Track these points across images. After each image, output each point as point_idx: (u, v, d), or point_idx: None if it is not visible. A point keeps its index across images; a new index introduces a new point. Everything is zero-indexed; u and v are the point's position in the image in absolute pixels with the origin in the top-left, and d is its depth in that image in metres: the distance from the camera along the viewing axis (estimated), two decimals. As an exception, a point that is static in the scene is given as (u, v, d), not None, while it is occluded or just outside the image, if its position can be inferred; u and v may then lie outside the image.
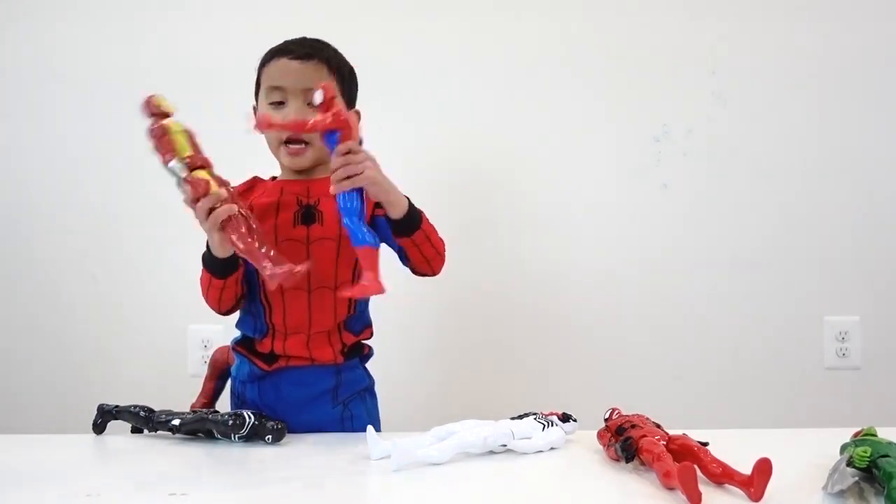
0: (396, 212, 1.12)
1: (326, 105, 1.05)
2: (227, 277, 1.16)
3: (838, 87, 1.85)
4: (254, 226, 1.07)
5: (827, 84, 1.85)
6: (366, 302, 1.27)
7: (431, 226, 1.18)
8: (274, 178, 1.29)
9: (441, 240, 1.20)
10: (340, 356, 1.22)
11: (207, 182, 1.04)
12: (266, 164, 1.31)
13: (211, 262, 1.15)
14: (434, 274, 1.21)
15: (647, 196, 1.86)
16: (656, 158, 1.86)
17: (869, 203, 1.85)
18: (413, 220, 1.14)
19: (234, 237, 1.05)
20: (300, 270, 1.04)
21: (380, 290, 1.02)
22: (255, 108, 1.30)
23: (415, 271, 1.22)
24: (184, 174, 1.04)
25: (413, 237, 1.15)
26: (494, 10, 1.87)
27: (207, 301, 1.22)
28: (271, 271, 1.02)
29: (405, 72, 1.85)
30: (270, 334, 1.21)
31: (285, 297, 1.19)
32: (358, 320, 1.25)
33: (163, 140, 1.04)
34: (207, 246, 1.14)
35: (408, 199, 1.14)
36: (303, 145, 1.21)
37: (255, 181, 1.28)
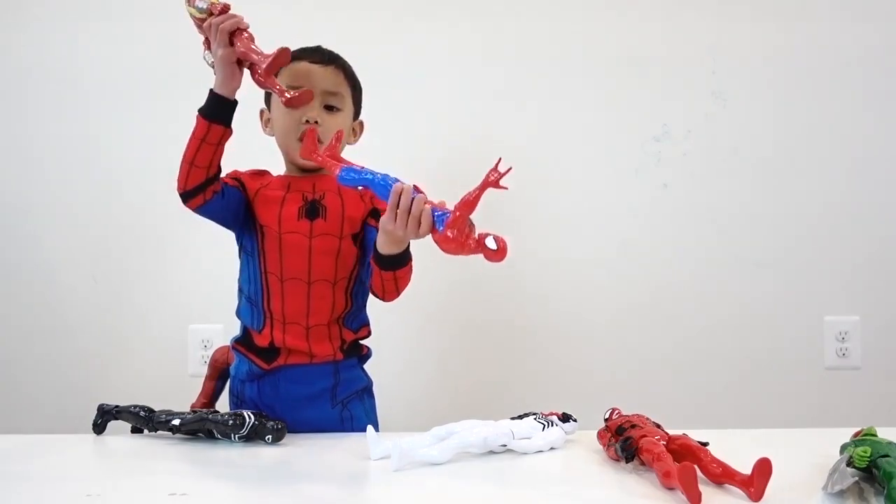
0: (385, 251, 1.13)
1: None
2: (214, 121, 1.14)
3: (838, 86, 1.85)
4: (254, 46, 1.11)
5: (826, 84, 1.85)
6: (364, 299, 1.29)
7: (409, 272, 1.19)
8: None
9: (408, 282, 1.20)
10: (340, 352, 1.23)
11: (227, 6, 1.11)
12: (267, 164, 1.31)
13: (209, 104, 1.14)
14: (382, 300, 1.23)
15: (647, 196, 1.86)
16: (656, 158, 1.86)
17: (869, 203, 1.85)
18: (395, 264, 1.15)
19: (238, 44, 1.09)
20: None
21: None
22: (262, 113, 1.32)
23: (370, 288, 1.25)
24: (205, 4, 1.12)
25: (383, 272, 1.16)
26: (495, 10, 1.87)
27: (181, 167, 1.16)
28: (264, 58, 1.07)
29: (404, 71, 1.85)
30: (269, 324, 1.22)
31: (284, 286, 1.21)
32: (355, 318, 1.26)
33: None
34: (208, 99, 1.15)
35: (408, 247, 1.15)
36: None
37: (266, 172, 1.30)
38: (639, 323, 1.85)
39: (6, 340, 1.87)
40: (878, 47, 1.85)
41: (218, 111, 1.14)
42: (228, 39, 1.10)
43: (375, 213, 1.24)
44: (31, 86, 1.88)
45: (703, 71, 1.86)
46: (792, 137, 1.86)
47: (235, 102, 1.14)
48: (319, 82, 1.24)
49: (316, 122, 1.23)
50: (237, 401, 1.27)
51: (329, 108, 1.25)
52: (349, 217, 1.24)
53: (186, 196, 1.17)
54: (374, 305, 1.31)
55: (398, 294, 1.21)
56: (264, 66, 1.07)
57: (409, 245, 1.15)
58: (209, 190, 1.18)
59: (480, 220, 1.88)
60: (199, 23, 1.14)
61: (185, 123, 1.21)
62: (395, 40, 1.86)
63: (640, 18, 1.86)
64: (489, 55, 1.86)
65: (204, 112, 1.14)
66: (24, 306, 1.88)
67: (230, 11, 1.11)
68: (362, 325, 1.28)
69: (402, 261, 1.15)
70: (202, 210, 1.19)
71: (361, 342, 1.28)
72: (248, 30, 1.11)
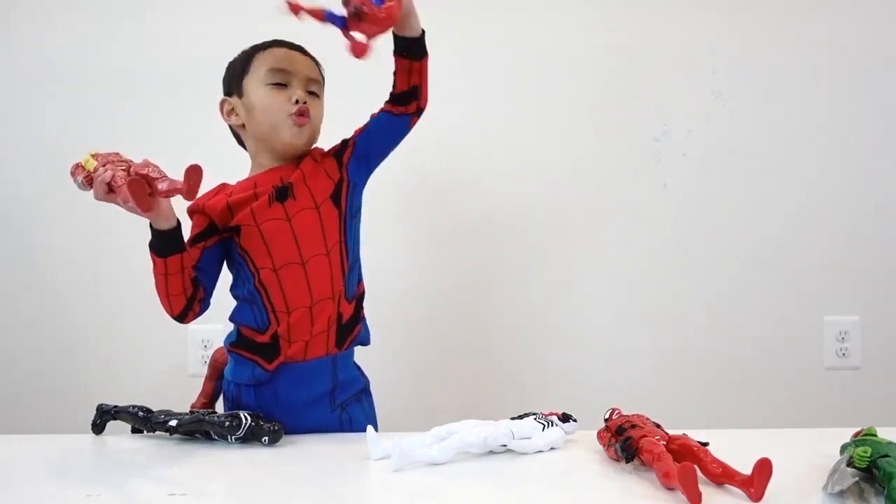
0: (413, 32, 1.19)
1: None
2: (166, 256, 1.14)
3: (838, 86, 1.85)
4: (148, 172, 1.07)
5: (827, 84, 1.85)
6: (357, 256, 1.28)
7: (426, 68, 1.23)
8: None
9: (427, 78, 1.24)
10: (334, 326, 1.21)
11: (78, 164, 1.10)
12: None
13: (156, 241, 1.15)
14: (419, 109, 1.24)
15: (647, 196, 1.86)
16: (656, 158, 1.86)
17: (869, 203, 1.85)
18: (423, 47, 1.21)
19: (118, 184, 1.06)
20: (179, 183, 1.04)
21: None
22: (223, 103, 1.29)
23: (400, 99, 1.23)
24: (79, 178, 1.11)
25: (421, 61, 1.21)
26: (495, 9, 1.87)
27: (160, 299, 1.20)
28: (164, 185, 1.04)
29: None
30: (273, 319, 1.20)
31: (280, 275, 1.19)
32: (353, 277, 1.25)
33: (76, 172, 1.13)
34: (152, 235, 1.15)
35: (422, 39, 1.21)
36: (308, 118, 1.24)
37: (223, 186, 1.28)
38: (639, 323, 1.85)
39: (6, 340, 1.87)
40: (878, 47, 1.85)
41: (166, 245, 1.14)
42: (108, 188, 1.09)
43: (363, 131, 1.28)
44: (33, 85, 1.88)
45: (703, 71, 1.86)
46: (792, 137, 1.86)
47: (178, 226, 1.15)
48: (302, 68, 1.26)
49: (305, 103, 1.23)
50: (233, 406, 1.25)
51: (310, 94, 1.26)
52: (316, 183, 1.23)
53: (178, 319, 1.22)
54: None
55: (423, 90, 1.23)
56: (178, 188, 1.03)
57: (423, 37, 1.21)
58: (195, 304, 1.21)
59: (481, 219, 1.87)
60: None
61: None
62: (389, 39, 1.85)
63: (640, 18, 1.86)
64: (488, 55, 1.85)
65: (155, 249, 1.15)
66: (25, 306, 1.88)
67: (85, 165, 1.12)
68: (358, 282, 1.27)
69: (425, 47, 1.21)
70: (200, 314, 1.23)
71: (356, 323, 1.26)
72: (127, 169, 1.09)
